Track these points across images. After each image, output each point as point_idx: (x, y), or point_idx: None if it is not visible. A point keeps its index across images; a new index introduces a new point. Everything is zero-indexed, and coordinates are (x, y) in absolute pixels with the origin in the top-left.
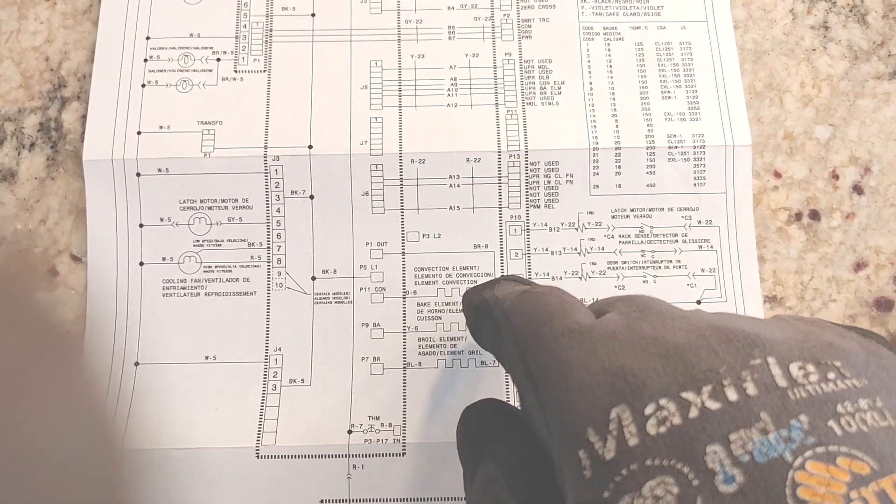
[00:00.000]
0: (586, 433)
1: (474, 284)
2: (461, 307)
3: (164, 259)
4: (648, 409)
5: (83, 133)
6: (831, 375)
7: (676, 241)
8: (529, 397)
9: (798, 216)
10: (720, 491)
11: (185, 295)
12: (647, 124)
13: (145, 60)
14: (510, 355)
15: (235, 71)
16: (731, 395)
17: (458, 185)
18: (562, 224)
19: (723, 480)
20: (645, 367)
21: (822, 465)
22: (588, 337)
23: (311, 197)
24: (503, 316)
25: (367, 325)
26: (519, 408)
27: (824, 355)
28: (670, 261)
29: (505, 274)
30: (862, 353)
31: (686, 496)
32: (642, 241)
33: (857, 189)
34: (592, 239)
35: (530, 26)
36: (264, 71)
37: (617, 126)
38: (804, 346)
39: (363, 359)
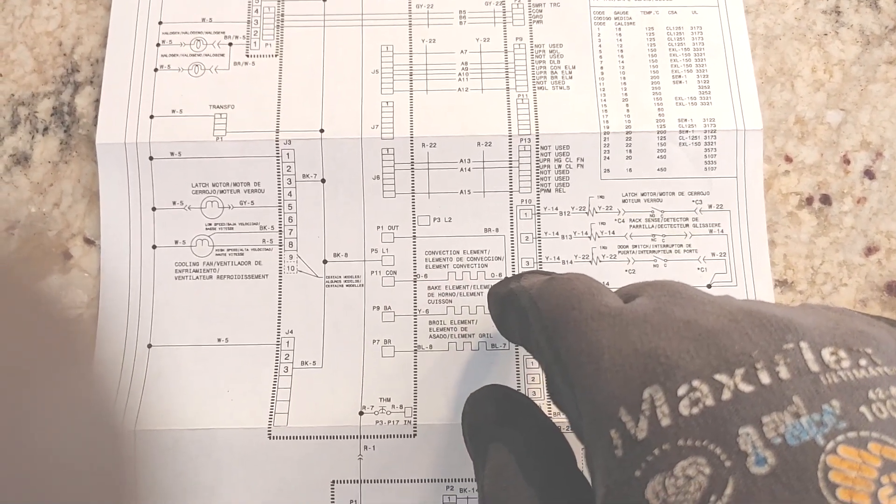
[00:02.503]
0: (618, 413)
1: (484, 270)
2: (485, 303)
3: (176, 242)
4: (681, 391)
5: (96, 117)
6: (863, 362)
7: (687, 225)
8: (558, 380)
9: (809, 201)
10: (752, 472)
11: (197, 278)
12: (658, 108)
13: (158, 45)
14: (538, 340)
15: (247, 55)
16: (764, 378)
17: (469, 169)
18: (572, 208)
19: (755, 462)
20: (677, 349)
21: (853, 449)
22: (619, 319)
23: (323, 181)
24: (530, 302)
25: (378, 308)
26: (523, 393)
27: (856, 342)
28: (681, 245)
29: (529, 269)
30: (892, 341)
31: (718, 477)
32: (653, 226)
33: (869, 174)
34: (603, 223)
35: (541, 11)
36: (276, 55)
37: (628, 110)
38: (836, 333)
39: (374, 341)
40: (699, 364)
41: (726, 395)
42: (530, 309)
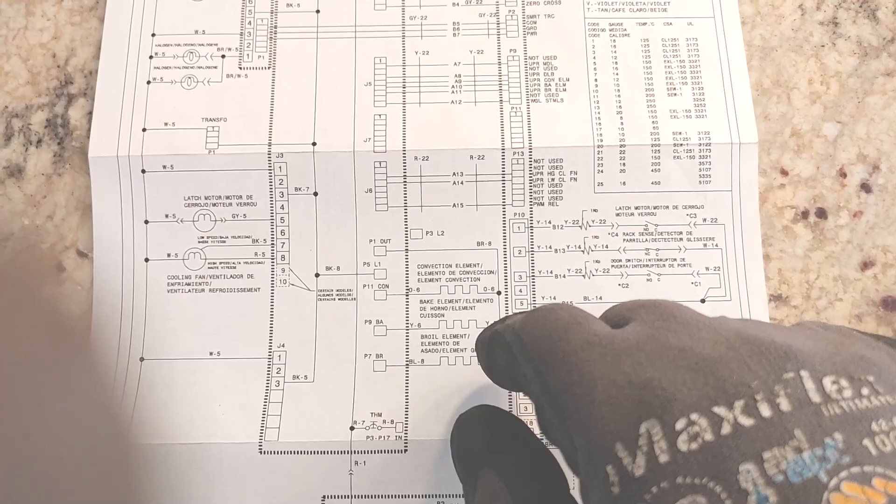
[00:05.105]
0: (614, 448)
1: (477, 284)
2: (477, 317)
3: (168, 255)
4: (679, 425)
5: (89, 130)
6: (865, 391)
7: (681, 239)
8: (549, 413)
9: (805, 214)
10: None
11: (189, 291)
12: (653, 122)
13: (151, 57)
14: (525, 374)
15: (240, 68)
16: (765, 410)
17: (462, 183)
18: (566, 222)
19: (756, 501)
20: (674, 380)
21: (857, 486)
22: (610, 349)
23: (315, 194)
24: (514, 336)
25: (370, 321)
26: (514, 408)
27: (857, 369)
28: (675, 259)
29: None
30: (894, 366)
31: None
32: (647, 240)
33: (865, 187)
34: (596, 237)
35: (535, 22)
36: (269, 68)
37: (622, 123)
38: (836, 360)
39: (366, 355)
40: (697, 396)
41: (726, 429)
42: (515, 343)
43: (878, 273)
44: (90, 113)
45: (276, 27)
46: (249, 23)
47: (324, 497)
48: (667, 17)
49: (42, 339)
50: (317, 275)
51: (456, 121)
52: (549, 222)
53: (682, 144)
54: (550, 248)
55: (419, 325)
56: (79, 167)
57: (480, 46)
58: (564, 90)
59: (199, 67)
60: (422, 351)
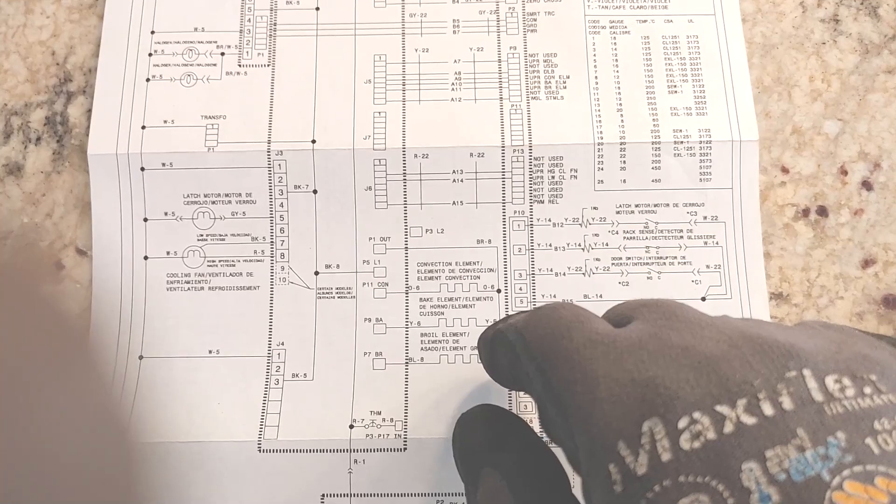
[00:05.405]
0: (617, 446)
1: (477, 282)
2: (477, 315)
3: (168, 253)
4: (682, 423)
5: (88, 127)
6: (867, 390)
7: (681, 237)
8: (551, 411)
9: (805, 212)
10: None
11: (188, 289)
12: (653, 119)
13: (150, 55)
14: (528, 372)
15: (240, 65)
16: (767, 409)
17: (462, 181)
18: (566, 219)
19: (758, 499)
20: (676, 378)
21: (860, 485)
22: (612, 347)
23: (315, 192)
24: (517, 335)
25: (370, 320)
26: (514, 407)
27: (860, 368)
28: (675, 257)
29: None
30: None
31: None
32: (647, 237)
33: (866, 185)
34: (597, 235)
35: (536, 20)
36: (268, 65)
37: (622, 121)
38: (839, 358)
39: (365, 354)
40: (699, 394)
41: (728, 427)
42: (517, 342)
43: (879, 271)
44: (89, 111)
45: (275, 24)
46: (249, 20)
47: (323, 496)
48: (667, 15)
49: (41, 338)
50: (316, 273)
51: (456, 118)
52: (550, 220)
53: (682, 142)
54: (550, 245)
55: (419, 323)
56: (78, 165)
57: (480, 44)
58: (565, 87)
59: (199, 65)
60: (421, 349)
